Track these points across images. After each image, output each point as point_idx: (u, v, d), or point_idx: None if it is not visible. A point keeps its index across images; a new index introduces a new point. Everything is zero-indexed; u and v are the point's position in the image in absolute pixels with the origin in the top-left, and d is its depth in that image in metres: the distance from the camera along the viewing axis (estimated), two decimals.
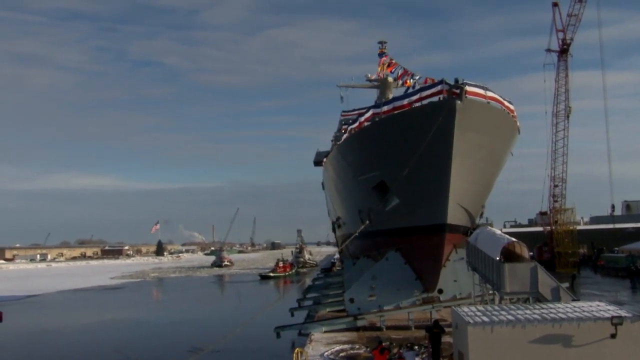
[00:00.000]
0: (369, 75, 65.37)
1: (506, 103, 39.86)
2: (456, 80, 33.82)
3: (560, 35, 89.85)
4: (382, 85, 65.86)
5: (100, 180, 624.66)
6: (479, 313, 21.22)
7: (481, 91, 35.84)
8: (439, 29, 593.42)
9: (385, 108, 39.65)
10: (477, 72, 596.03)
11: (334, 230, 64.56)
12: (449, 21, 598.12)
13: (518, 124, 43.76)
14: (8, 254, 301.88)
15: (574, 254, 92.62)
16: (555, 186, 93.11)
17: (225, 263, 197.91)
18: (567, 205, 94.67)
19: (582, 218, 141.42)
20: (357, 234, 43.49)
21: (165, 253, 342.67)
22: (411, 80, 55.96)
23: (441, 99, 34.92)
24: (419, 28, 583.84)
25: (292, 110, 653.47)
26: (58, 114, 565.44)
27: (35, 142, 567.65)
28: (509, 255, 26.11)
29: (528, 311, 21.10)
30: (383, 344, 27.11)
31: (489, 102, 36.46)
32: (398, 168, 38.79)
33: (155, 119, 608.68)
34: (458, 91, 33.54)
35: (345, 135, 47.38)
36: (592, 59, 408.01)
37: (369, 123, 42.03)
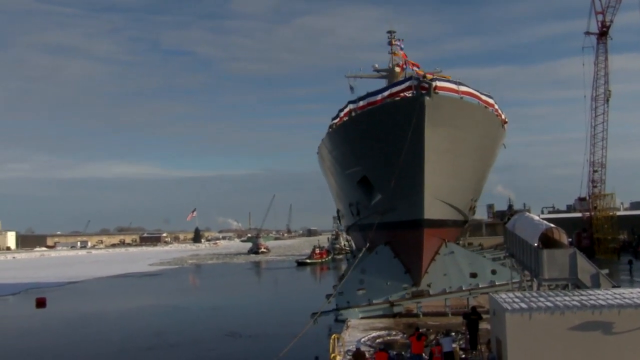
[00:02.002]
0: (376, 66, 64.95)
1: (484, 97, 39.55)
2: (424, 76, 33.64)
3: (600, 17, 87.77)
4: (389, 75, 65.43)
5: (137, 169, 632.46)
6: (516, 299, 21.05)
7: (453, 86, 35.66)
8: (470, 15, 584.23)
9: (361, 103, 39.47)
10: (508, 57, 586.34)
11: (338, 220, 64.50)
12: (480, 6, 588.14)
13: (503, 116, 43.41)
14: (50, 242, 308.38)
15: (613, 240, 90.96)
16: (595, 171, 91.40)
17: (262, 250, 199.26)
18: (607, 191, 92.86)
19: (622, 204, 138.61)
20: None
21: (202, 240, 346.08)
22: (411, 71, 56.10)
23: (410, 94, 34.78)
24: (449, 14, 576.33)
25: (325, 98, 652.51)
26: (95, 104, 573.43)
27: (74, 131, 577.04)
28: (547, 241, 25.80)
29: (567, 298, 20.84)
30: (420, 330, 27.07)
31: (462, 97, 36.11)
32: (376, 163, 39.38)
33: (190, 107, 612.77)
34: (427, 86, 33.33)
35: (329, 130, 47.47)
36: (632, 41, 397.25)
37: (347, 118, 42.02)
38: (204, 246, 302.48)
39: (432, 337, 29.95)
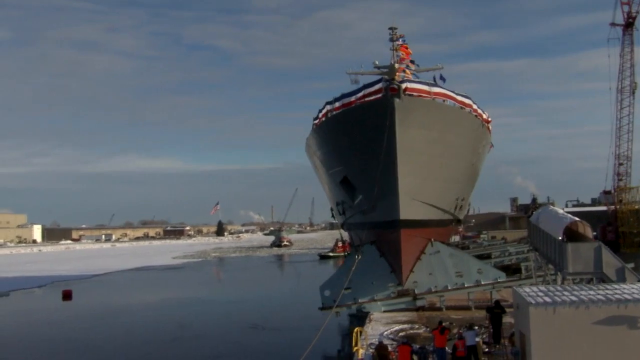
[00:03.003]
0: (376, 62, 64.48)
1: (459, 98, 39.27)
2: (393, 79, 33.36)
3: (626, 8, 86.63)
4: (390, 72, 64.83)
5: (160, 163, 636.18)
6: (540, 293, 20.95)
7: (424, 87, 35.49)
8: (490, 7, 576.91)
9: (337, 104, 39.32)
10: (530, 50, 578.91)
11: (332, 217, 64.69)
12: None
13: (485, 116, 43.15)
14: (75, 235, 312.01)
15: (639, 233, 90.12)
16: (620, 164, 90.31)
17: (285, 243, 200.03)
18: (633, 184, 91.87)
19: None
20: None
21: (225, 233, 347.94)
22: (408, 69, 56.28)
23: (380, 97, 34.51)
24: (469, 6, 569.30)
25: (346, 91, 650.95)
26: (118, 98, 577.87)
27: (99, 126, 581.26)
28: (572, 234, 25.65)
29: (592, 292, 20.69)
30: (443, 324, 27.04)
31: (434, 99, 35.82)
32: (354, 165, 39.54)
33: (211, 101, 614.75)
34: (396, 88, 33.07)
35: (312, 128, 47.39)
36: None
37: (324, 119, 41.99)
38: (226, 239, 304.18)
39: (455, 330, 29.92)
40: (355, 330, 27.59)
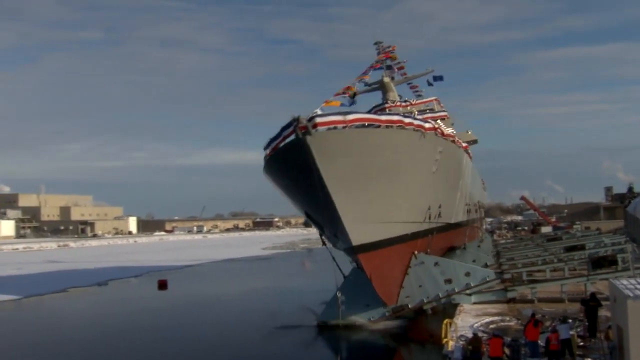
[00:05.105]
0: (366, 80, 62.76)
1: (384, 118, 38.32)
2: (297, 119, 32.53)
3: None
4: (381, 87, 63.29)
5: (248, 156, 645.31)
6: (639, 286, 20.31)
7: (339, 117, 34.26)
8: None
9: (273, 144, 38.21)
10: (621, 34, 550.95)
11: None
12: None
13: (427, 126, 42.04)
14: (168, 226, 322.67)
15: None
16: None
17: None
18: None
19: None
20: None
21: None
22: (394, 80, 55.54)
23: (294, 138, 33.92)
24: None
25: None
26: (205, 94, 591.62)
27: (188, 121, 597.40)
28: None
29: None
30: (536, 316, 26.56)
31: (346, 127, 34.61)
32: (301, 200, 40.96)
33: (296, 94, 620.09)
34: (305, 126, 32.45)
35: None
36: None
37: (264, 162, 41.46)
38: (314, 230, 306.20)
39: (547, 323, 29.34)
40: (445, 321, 27.53)
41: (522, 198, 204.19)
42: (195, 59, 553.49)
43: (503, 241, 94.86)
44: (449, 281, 41.01)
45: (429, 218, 44.80)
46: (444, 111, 64.04)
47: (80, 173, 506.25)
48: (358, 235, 37.41)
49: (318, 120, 32.92)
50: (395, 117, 39.67)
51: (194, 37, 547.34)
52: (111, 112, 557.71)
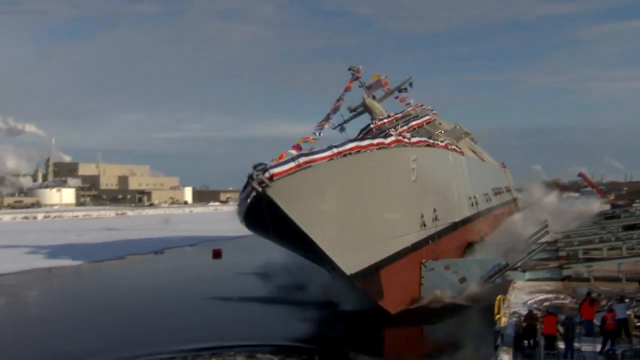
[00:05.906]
0: (350, 106, 61.16)
1: (335, 150, 36.23)
2: (251, 176, 32.09)
3: None
4: (365, 110, 61.58)
5: (299, 128, 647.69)
6: None
7: (291, 164, 33.46)
8: None
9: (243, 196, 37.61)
10: None
11: None
12: None
13: (388, 140, 41.03)
14: (222, 197, 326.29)
15: None
16: None
17: None
18: None
19: None
20: None
21: None
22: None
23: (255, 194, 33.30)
24: None
25: (488, 54, 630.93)
26: (261, 66, 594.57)
27: (242, 92, 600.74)
28: None
29: None
30: (592, 295, 26.23)
31: (300, 169, 33.73)
32: (290, 246, 41.53)
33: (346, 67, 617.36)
34: (262, 180, 32.04)
35: None
36: None
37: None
38: None
39: (603, 302, 28.94)
40: (498, 297, 27.47)
41: (580, 175, 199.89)
42: (251, 31, 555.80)
43: None
44: (464, 279, 41.03)
45: (425, 225, 44.69)
46: (427, 115, 63.23)
47: (137, 144, 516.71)
48: (349, 264, 37.13)
49: (274, 170, 32.82)
50: (350, 145, 38.04)
51: (250, 8, 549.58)
52: (167, 85, 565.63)
